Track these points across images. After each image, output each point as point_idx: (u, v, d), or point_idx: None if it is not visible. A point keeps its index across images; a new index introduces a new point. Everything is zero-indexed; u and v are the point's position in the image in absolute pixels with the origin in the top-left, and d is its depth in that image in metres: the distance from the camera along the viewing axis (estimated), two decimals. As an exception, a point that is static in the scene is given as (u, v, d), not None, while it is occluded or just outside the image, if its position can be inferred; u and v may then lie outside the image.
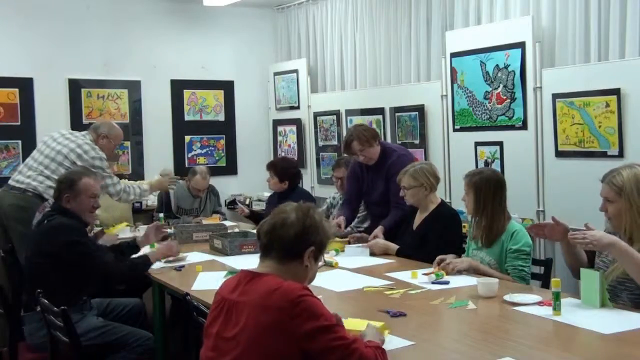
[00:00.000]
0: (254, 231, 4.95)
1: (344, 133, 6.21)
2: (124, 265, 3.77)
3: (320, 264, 2.32)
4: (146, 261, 3.80)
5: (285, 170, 5.38)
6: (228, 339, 2.08)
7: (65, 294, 3.37)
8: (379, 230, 4.25)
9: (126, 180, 5.18)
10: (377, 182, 4.48)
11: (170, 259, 4.05)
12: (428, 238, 3.87)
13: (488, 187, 3.48)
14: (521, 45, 4.51)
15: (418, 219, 4.03)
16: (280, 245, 2.16)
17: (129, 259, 3.89)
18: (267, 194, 6.74)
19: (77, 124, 6.37)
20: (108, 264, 3.66)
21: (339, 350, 1.99)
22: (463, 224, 4.48)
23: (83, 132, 4.99)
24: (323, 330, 2.00)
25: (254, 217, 5.66)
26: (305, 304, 2.01)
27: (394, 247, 4.01)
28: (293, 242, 2.16)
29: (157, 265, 3.94)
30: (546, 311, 2.67)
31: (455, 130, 5.09)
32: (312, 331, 1.99)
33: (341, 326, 2.11)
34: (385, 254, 4.01)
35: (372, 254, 4.03)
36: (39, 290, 3.21)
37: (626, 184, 2.75)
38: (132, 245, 4.05)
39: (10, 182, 4.74)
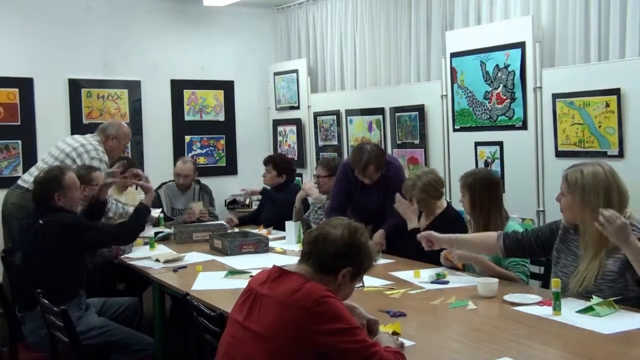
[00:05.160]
0: (254, 231, 4.99)
1: (344, 133, 6.23)
2: (128, 222, 4.06)
3: (358, 285, 2.31)
4: (144, 206, 4.11)
5: (284, 164, 5.53)
6: (248, 329, 2.11)
7: (63, 289, 3.36)
8: (380, 234, 4.23)
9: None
10: (372, 194, 4.44)
11: (170, 258, 4.06)
12: None
13: (482, 188, 3.49)
14: (521, 45, 4.51)
15: (424, 221, 4.00)
16: (318, 258, 2.17)
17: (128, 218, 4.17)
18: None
19: (77, 124, 6.37)
20: (114, 227, 3.95)
21: (357, 353, 1.99)
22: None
23: (93, 134, 5.03)
24: (342, 332, 2.00)
25: (246, 222, 5.62)
26: (327, 305, 2.02)
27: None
28: (331, 258, 2.16)
29: (157, 266, 3.95)
30: (546, 311, 2.67)
31: (455, 130, 5.09)
32: (332, 333, 1.99)
33: (362, 329, 2.11)
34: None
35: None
36: (38, 291, 3.21)
37: (581, 183, 2.82)
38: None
39: (19, 181, 4.85)
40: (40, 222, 3.57)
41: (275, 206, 5.43)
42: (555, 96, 4.32)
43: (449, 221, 3.89)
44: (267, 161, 5.57)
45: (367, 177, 4.32)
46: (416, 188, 3.94)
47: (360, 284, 2.32)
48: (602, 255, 2.76)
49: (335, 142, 6.40)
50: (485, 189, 3.49)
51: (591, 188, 2.79)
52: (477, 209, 3.50)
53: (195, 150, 7.11)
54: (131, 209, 4.93)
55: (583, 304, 2.69)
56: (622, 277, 2.72)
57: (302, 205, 5.23)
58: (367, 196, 4.45)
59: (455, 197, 4.90)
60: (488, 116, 4.80)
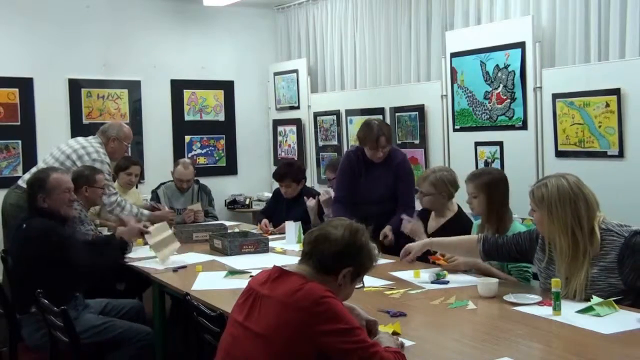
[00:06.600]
0: (254, 231, 4.97)
1: (344, 133, 6.23)
2: (96, 256, 3.74)
3: (358, 285, 2.30)
4: (115, 240, 3.91)
5: (300, 173, 5.25)
6: (248, 329, 2.11)
7: (53, 292, 3.33)
8: (388, 229, 4.16)
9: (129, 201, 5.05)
10: (379, 180, 4.34)
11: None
12: None
13: (497, 188, 3.46)
14: (521, 45, 4.51)
15: (434, 223, 3.94)
16: (319, 259, 2.16)
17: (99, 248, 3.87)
18: (267, 194, 6.73)
19: (77, 124, 6.38)
20: (85, 260, 3.61)
21: (357, 353, 1.99)
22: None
23: (94, 136, 5.02)
24: (343, 333, 2.00)
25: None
26: (327, 305, 2.02)
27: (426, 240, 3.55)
28: (331, 258, 2.16)
29: (157, 266, 3.94)
30: (546, 311, 2.67)
31: (455, 130, 5.09)
32: (332, 333, 1.99)
33: (362, 330, 2.11)
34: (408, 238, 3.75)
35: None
36: (39, 290, 3.20)
37: (547, 198, 2.83)
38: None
39: (19, 181, 4.86)
40: (24, 225, 3.55)
41: (294, 215, 5.19)
42: (555, 96, 4.32)
43: (460, 227, 3.74)
44: (282, 177, 5.16)
45: (379, 149, 4.25)
46: (427, 181, 3.91)
47: (360, 284, 2.32)
48: (586, 265, 2.76)
49: (335, 142, 6.40)
50: (502, 189, 3.48)
51: (557, 202, 2.80)
52: (494, 210, 3.45)
53: (195, 150, 7.11)
54: (144, 211, 4.94)
55: (583, 304, 2.69)
56: (608, 282, 2.73)
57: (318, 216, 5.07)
58: (373, 182, 4.35)
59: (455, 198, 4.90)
60: (488, 116, 4.80)
